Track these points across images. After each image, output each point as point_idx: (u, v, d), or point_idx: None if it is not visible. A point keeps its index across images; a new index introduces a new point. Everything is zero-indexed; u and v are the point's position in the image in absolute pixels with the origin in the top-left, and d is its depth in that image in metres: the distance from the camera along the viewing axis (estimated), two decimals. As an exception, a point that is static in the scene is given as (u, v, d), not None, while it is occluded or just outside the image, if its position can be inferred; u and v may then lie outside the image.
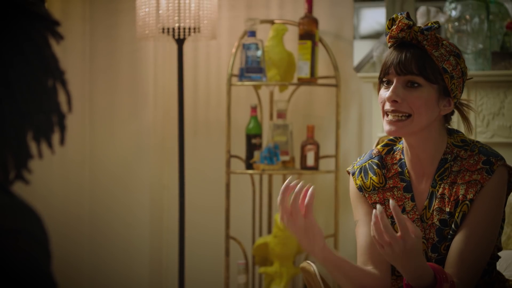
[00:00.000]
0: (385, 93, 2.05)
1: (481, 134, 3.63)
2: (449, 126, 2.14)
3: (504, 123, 3.62)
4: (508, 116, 3.61)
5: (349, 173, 2.21)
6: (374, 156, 2.18)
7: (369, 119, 4.01)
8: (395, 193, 2.13)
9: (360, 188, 2.17)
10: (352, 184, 2.19)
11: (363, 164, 2.19)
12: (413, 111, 2.02)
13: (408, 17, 2.04)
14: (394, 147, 2.18)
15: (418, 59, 2.02)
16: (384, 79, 2.06)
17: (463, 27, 3.72)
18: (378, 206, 1.85)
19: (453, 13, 3.74)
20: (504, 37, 3.74)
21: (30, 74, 1.17)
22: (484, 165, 2.04)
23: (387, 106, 2.04)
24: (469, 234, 2.01)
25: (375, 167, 2.16)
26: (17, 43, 1.16)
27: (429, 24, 2.03)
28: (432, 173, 2.10)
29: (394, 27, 2.04)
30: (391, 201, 1.84)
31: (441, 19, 3.70)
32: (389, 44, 2.07)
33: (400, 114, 2.03)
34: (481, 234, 2.02)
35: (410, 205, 2.11)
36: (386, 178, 2.15)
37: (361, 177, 2.17)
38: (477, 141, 2.11)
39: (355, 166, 2.20)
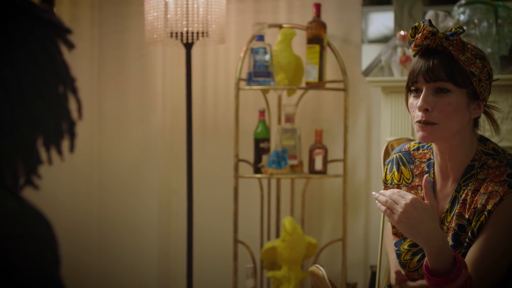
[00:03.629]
0: (415, 101, 2.07)
1: (489, 138, 3.62)
2: (480, 133, 2.15)
3: (512, 127, 3.61)
4: (516, 120, 3.60)
5: None
6: (404, 151, 2.24)
7: (378, 123, 4.01)
8: (419, 192, 2.17)
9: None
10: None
11: (393, 156, 2.26)
12: (441, 119, 2.03)
13: (430, 24, 2.05)
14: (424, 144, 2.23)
15: (446, 65, 2.03)
16: (412, 88, 2.08)
17: (472, 31, 3.71)
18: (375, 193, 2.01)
19: (462, 17, 3.73)
20: (512, 41, 3.74)
21: (41, 80, 1.17)
22: (508, 178, 2.04)
23: (418, 116, 2.05)
24: (485, 245, 2.01)
25: (400, 163, 2.22)
26: (29, 50, 1.17)
27: (453, 30, 2.04)
28: (458, 178, 2.11)
29: (418, 35, 2.05)
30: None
31: (450, 23, 3.70)
32: (414, 52, 2.08)
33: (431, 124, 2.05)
34: (497, 246, 2.02)
35: None
36: (413, 175, 2.19)
37: (387, 168, 2.24)
38: (509, 153, 2.11)
39: (392, 156, 2.27)
